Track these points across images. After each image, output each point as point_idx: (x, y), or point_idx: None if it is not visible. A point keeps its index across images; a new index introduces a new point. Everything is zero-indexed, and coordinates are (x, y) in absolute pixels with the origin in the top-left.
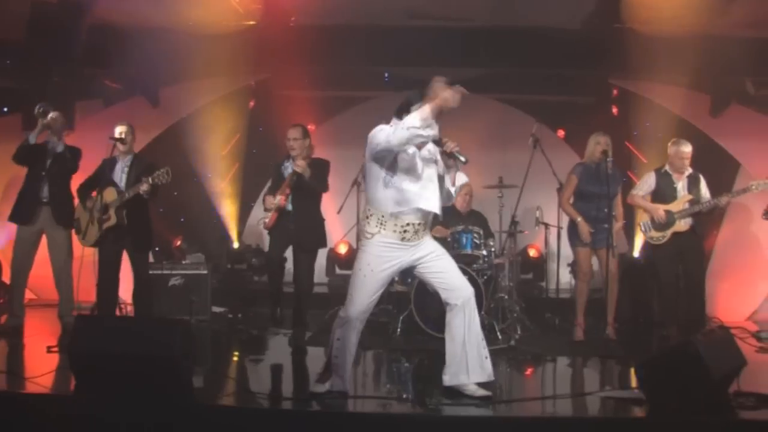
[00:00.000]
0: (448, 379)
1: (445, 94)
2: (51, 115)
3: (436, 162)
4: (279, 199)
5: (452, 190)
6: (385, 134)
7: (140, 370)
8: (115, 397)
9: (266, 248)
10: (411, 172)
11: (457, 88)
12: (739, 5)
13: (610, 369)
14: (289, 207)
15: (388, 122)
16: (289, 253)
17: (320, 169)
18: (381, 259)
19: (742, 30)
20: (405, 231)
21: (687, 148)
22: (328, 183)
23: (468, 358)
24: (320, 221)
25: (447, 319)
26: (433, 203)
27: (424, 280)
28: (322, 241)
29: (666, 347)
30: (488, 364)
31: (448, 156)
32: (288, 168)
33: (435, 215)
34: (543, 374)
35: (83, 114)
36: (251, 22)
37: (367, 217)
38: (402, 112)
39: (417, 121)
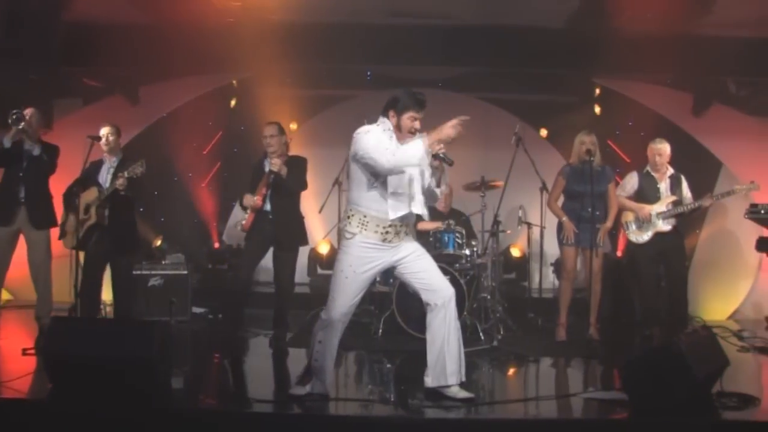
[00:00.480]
0: (429, 381)
1: (448, 130)
2: (26, 116)
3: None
4: (255, 199)
5: (438, 191)
6: (381, 156)
7: (117, 373)
8: (92, 401)
9: None
10: (394, 174)
11: (459, 120)
12: (721, 5)
13: (593, 369)
14: (267, 207)
15: (371, 121)
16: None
17: (297, 167)
18: (362, 260)
19: (724, 29)
20: (387, 232)
21: (661, 145)
22: (306, 181)
23: (447, 360)
24: (300, 219)
25: (427, 320)
26: (415, 205)
27: (404, 280)
28: (302, 239)
29: (649, 348)
30: (462, 366)
31: (434, 158)
32: (267, 167)
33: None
34: (526, 375)
35: (62, 113)
36: (230, 20)
37: (349, 217)
38: (389, 109)
39: (415, 158)
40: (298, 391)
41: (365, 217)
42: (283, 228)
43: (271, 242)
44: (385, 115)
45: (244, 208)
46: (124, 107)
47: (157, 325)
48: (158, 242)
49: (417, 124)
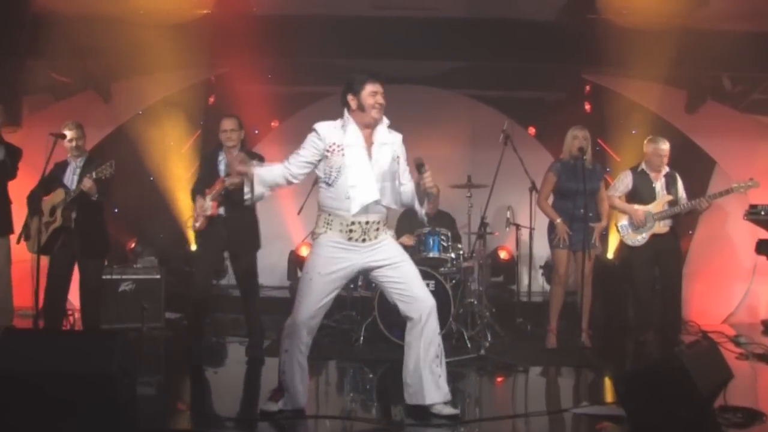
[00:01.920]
0: (409, 398)
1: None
2: None
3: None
4: (210, 206)
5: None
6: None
7: (74, 391)
8: (46, 423)
9: None
10: (345, 170)
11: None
12: None
13: (585, 380)
14: (221, 211)
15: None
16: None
17: None
18: (328, 261)
19: (719, 23)
20: (351, 231)
21: (665, 146)
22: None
23: (424, 378)
24: (254, 223)
25: (406, 332)
26: (366, 195)
27: (381, 289)
28: (256, 243)
29: (648, 360)
30: (443, 382)
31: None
32: (222, 162)
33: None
34: (514, 387)
35: (32, 109)
36: (205, 11)
37: (317, 218)
38: (346, 95)
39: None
40: (269, 407)
41: (329, 215)
42: (237, 234)
43: (224, 246)
44: (345, 104)
45: (198, 214)
46: (96, 104)
47: (118, 337)
48: (132, 244)
49: (379, 98)
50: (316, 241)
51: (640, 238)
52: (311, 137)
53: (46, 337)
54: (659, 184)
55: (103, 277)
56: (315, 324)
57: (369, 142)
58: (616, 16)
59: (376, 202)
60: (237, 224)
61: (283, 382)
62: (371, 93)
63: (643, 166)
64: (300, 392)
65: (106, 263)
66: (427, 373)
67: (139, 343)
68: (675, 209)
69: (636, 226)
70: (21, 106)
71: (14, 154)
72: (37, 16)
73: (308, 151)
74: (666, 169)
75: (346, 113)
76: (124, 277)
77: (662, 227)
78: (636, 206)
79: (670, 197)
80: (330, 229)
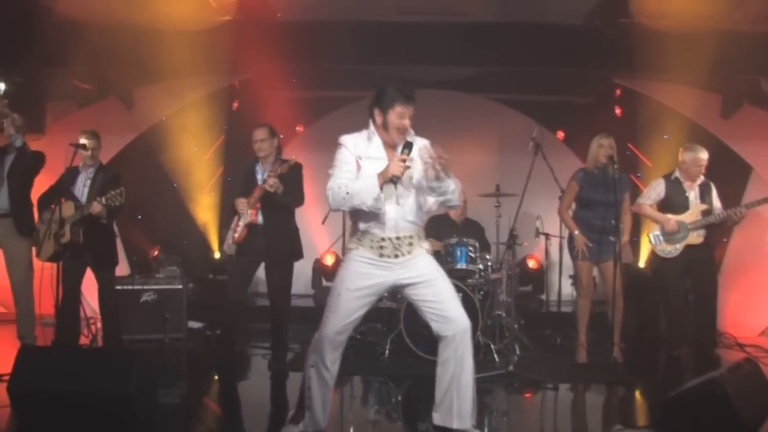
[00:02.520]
0: (438, 418)
1: (393, 168)
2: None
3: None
4: (250, 214)
5: (453, 198)
6: (331, 188)
7: (92, 410)
8: None
9: None
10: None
11: (399, 157)
12: None
13: (617, 399)
14: (259, 220)
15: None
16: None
17: (293, 179)
18: (358, 276)
19: (756, 25)
20: (381, 247)
21: (705, 155)
22: (303, 194)
23: (455, 400)
24: (294, 233)
25: (439, 351)
26: (389, 216)
27: (415, 306)
28: (296, 254)
29: (687, 385)
30: (471, 408)
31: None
32: (259, 172)
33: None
34: (543, 407)
35: (55, 116)
36: (226, 18)
37: (351, 229)
38: (373, 108)
39: (369, 199)
40: (290, 430)
41: (360, 231)
42: (276, 243)
43: (262, 258)
44: (371, 115)
45: (236, 214)
46: (119, 111)
47: (136, 355)
48: (155, 252)
49: (406, 122)
50: (347, 256)
51: (673, 249)
52: (341, 152)
53: (63, 355)
54: (693, 194)
55: (125, 287)
56: (342, 340)
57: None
58: (648, 19)
59: (405, 219)
60: (276, 235)
61: (306, 399)
62: (399, 114)
63: (677, 173)
64: (322, 412)
65: (129, 272)
66: (457, 397)
67: (161, 355)
68: (709, 219)
69: (668, 235)
70: (44, 114)
71: (37, 160)
72: (59, 24)
73: (347, 164)
74: (701, 178)
75: (371, 124)
76: (145, 287)
77: (696, 238)
78: (668, 215)
79: (705, 206)
80: (361, 245)
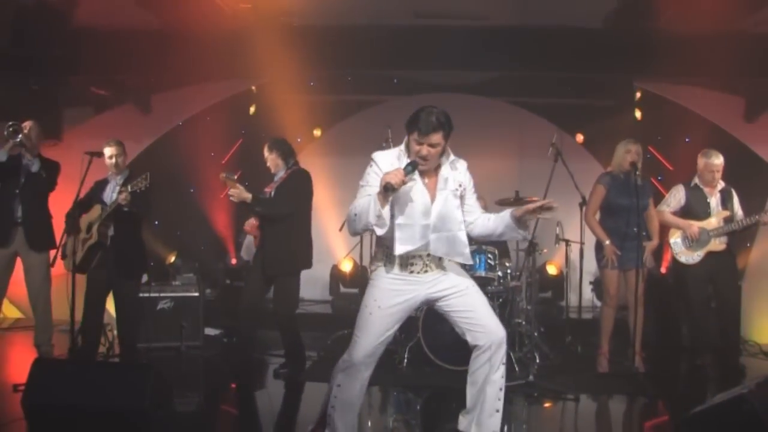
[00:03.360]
0: (465, 424)
1: (388, 176)
2: (24, 128)
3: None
4: (251, 228)
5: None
6: (353, 206)
7: (106, 424)
8: None
9: None
10: (398, 209)
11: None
12: None
13: (640, 411)
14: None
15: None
16: None
17: (288, 188)
18: (390, 294)
19: None
20: (412, 264)
21: (717, 160)
22: (301, 200)
23: (479, 411)
24: (290, 245)
25: (471, 359)
26: (410, 240)
27: (450, 320)
28: (293, 265)
29: (714, 401)
30: (498, 420)
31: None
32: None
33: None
34: (563, 419)
35: (72, 122)
36: (243, 24)
37: (377, 247)
38: (407, 127)
39: (368, 217)
40: None
41: (388, 248)
42: (273, 257)
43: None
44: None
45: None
46: (136, 117)
47: (150, 369)
48: (172, 258)
49: (423, 151)
50: (376, 273)
51: (695, 256)
52: (369, 171)
53: (78, 368)
54: (714, 200)
55: (142, 295)
56: (373, 361)
57: (429, 178)
58: (667, 23)
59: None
60: (272, 246)
61: (328, 417)
62: (415, 142)
63: (696, 180)
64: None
65: (146, 279)
66: (480, 408)
67: (177, 363)
68: (731, 226)
69: (690, 242)
70: (61, 121)
71: (52, 167)
72: (75, 31)
73: (370, 186)
74: (721, 184)
75: (404, 141)
76: (162, 295)
77: (718, 245)
78: (690, 221)
79: (727, 213)
80: (389, 262)
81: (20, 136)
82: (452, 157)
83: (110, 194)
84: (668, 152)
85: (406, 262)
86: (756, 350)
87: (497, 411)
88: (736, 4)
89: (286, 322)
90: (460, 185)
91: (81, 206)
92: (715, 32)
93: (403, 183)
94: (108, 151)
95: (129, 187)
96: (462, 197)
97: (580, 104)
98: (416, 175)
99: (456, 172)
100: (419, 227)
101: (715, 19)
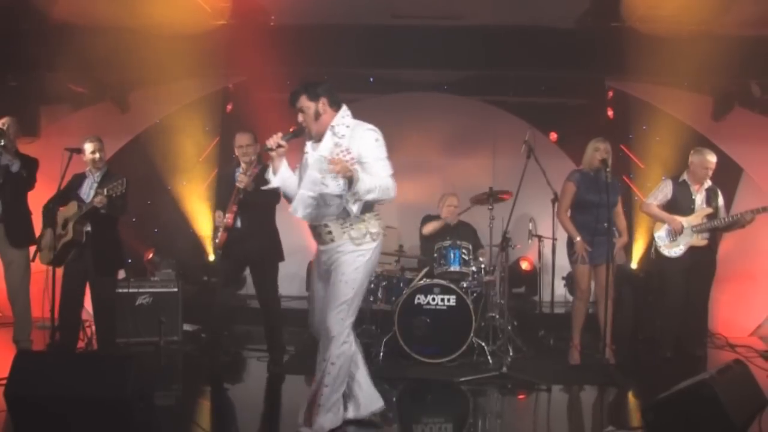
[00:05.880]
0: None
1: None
2: (7, 133)
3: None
4: (226, 218)
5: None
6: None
7: (89, 414)
8: None
9: None
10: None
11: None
12: (742, 2)
13: (609, 400)
14: (238, 224)
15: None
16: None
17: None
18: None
19: (746, 29)
20: (315, 234)
21: (712, 158)
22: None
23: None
24: (274, 234)
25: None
26: (296, 205)
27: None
28: (278, 255)
29: (678, 388)
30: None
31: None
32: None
33: None
34: (536, 409)
35: (49, 119)
36: (221, 22)
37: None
38: None
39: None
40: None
41: (375, 214)
42: (257, 246)
43: (245, 261)
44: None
45: (216, 228)
46: (114, 114)
47: (132, 359)
48: (150, 255)
49: (299, 118)
50: (378, 243)
51: (677, 250)
52: None
53: (59, 360)
54: (700, 197)
55: (121, 291)
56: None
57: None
58: (639, 23)
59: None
60: (256, 238)
61: (346, 389)
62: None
63: (685, 176)
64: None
65: (124, 275)
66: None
67: (157, 358)
68: (714, 223)
69: (674, 236)
70: (38, 117)
71: (31, 165)
72: (54, 28)
73: None
74: (708, 183)
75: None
76: (141, 290)
77: (700, 240)
78: (675, 216)
79: (710, 210)
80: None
81: (2, 140)
82: (344, 122)
83: (87, 191)
84: (639, 150)
85: (314, 232)
86: (722, 342)
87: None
88: (704, 7)
89: (275, 313)
90: (344, 150)
91: (59, 199)
92: (684, 33)
93: (280, 146)
94: (90, 147)
95: (105, 191)
96: (359, 162)
97: (553, 103)
98: (309, 146)
99: (342, 138)
100: (301, 192)
101: (685, 21)
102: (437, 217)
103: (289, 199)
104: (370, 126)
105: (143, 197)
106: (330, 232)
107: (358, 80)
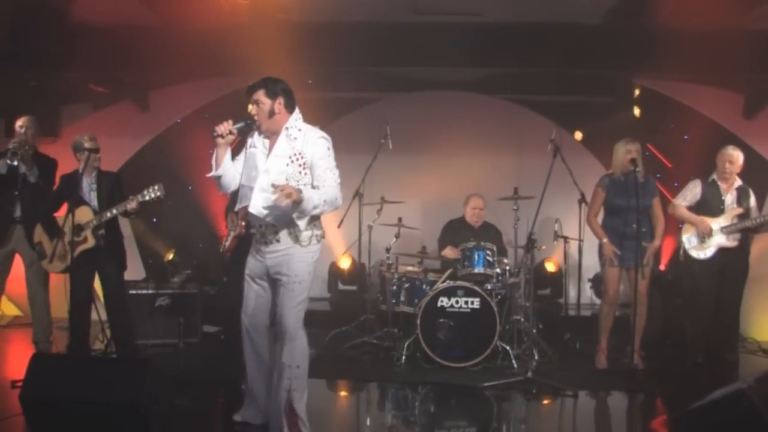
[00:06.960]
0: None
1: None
2: (22, 130)
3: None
4: (241, 225)
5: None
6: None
7: (104, 419)
8: None
9: None
10: (245, 171)
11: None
12: None
13: (638, 407)
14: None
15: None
16: None
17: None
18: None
19: None
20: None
21: (734, 151)
22: None
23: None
24: None
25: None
26: (243, 199)
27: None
28: None
29: (713, 397)
30: None
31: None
32: None
33: None
34: (562, 415)
35: (69, 119)
36: (241, 20)
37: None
38: None
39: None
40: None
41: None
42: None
43: None
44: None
45: (228, 232)
46: (134, 113)
47: (147, 364)
48: (170, 256)
49: (253, 110)
50: (318, 246)
51: (708, 252)
52: None
53: (75, 364)
54: (730, 197)
55: (140, 292)
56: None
57: (271, 145)
58: (667, 19)
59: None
60: None
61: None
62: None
63: (714, 176)
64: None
65: (144, 272)
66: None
67: (176, 360)
68: (745, 223)
69: (702, 237)
70: (59, 117)
71: (49, 168)
72: (74, 27)
73: None
74: (738, 182)
75: None
76: (160, 291)
77: (731, 241)
78: (703, 217)
79: (740, 210)
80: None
81: (17, 160)
82: (297, 126)
83: (89, 193)
84: (667, 150)
85: (258, 231)
86: (755, 347)
87: None
88: (735, 0)
89: None
90: (297, 154)
91: (55, 204)
92: (714, 28)
93: (230, 133)
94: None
95: (140, 197)
96: (310, 168)
97: (579, 102)
98: (258, 142)
99: (295, 141)
100: (249, 189)
101: (715, 15)
102: (460, 222)
103: (225, 190)
104: (323, 133)
105: (164, 198)
106: (276, 233)
107: (380, 78)
